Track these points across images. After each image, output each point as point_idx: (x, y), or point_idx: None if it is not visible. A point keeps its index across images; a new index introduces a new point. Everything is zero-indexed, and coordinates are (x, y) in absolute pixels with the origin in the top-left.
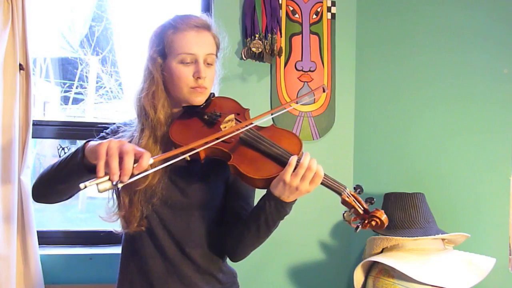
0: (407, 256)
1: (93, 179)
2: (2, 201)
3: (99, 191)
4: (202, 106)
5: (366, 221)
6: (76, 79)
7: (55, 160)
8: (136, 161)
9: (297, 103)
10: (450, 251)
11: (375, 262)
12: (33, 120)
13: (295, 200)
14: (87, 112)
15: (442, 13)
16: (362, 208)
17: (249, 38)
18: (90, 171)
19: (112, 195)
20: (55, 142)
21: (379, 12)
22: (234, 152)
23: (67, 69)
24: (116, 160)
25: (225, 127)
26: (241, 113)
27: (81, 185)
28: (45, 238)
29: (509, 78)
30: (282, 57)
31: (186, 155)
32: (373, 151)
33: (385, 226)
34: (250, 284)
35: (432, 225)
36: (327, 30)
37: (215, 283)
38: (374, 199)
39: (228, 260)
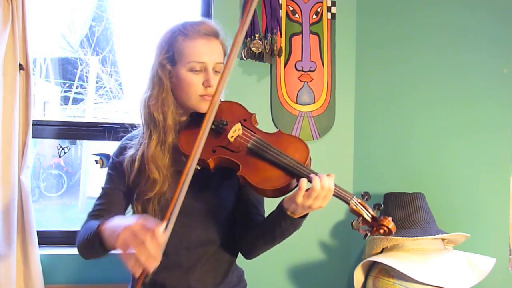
0: (407, 256)
1: (138, 281)
2: (2, 201)
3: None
4: None
5: (374, 229)
6: (76, 79)
7: (54, 160)
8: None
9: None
10: (450, 251)
11: (375, 262)
12: (33, 120)
13: (307, 214)
14: (87, 112)
15: (442, 13)
16: (370, 216)
17: (249, 38)
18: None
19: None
20: (55, 142)
21: (379, 12)
22: (242, 162)
23: (67, 69)
24: (143, 254)
25: (232, 136)
26: (248, 119)
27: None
28: (45, 238)
29: (509, 78)
30: (282, 57)
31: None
32: (373, 151)
33: (393, 233)
34: (250, 284)
35: (432, 225)
36: (327, 30)
37: (224, 282)
38: (382, 205)
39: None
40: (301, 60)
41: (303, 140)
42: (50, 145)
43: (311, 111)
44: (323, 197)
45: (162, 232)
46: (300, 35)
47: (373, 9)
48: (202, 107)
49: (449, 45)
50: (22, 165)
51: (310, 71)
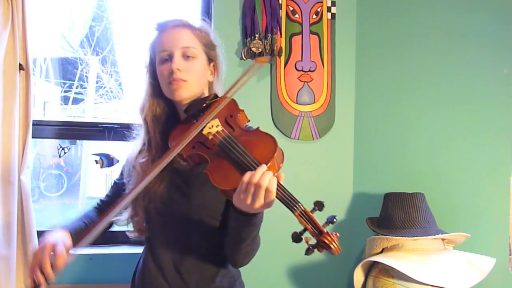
0: (407, 256)
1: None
2: (2, 201)
3: None
4: (207, 103)
5: (319, 244)
6: (76, 79)
7: (54, 160)
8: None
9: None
10: (450, 251)
11: (375, 262)
12: (33, 120)
13: (262, 213)
14: (87, 112)
15: (442, 13)
16: (316, 230)
17: (249, 38)
18: None
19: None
20: (55, 142)
21: (379, 12)
22: (212, 159)
23: (67, 69)
24: (37, 269)
25: (209, 133)
26: (234, 116)
27: None
28: None
29: (509, 78)
30: (282, 57)
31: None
32: (373, 151)
33: (336, 254)
34: (250, 284)
35: (432, 225)
36: (327, 30)
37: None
38: (336, 218)
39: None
40: (301, 60)
41: (275, 140)
42: (50, 145)
43: (311, 111)
44: (258, 195)
45: (64, 257)
46: (300, 35)
47: (373, 9)
48: (173, 94)
49: (449, 45)
50: (22, 165)
51: (310, 71)
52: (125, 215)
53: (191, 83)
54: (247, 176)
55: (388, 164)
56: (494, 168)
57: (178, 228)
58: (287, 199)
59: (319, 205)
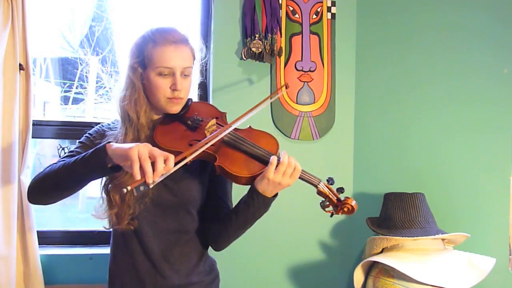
0: (407, 256)
1: (134, 183)
2: (2, 201)
3: (136, 194)
4: (181, 113)
5: (339, 208)
6: (76, 79)
7: (54, 160)
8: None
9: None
10: (450, 251)
11: (375, 262)
12: (33, 120)
13: (277, 195)
14: (87, 112)
15: (442, 13)
16: (336, 198)
17: (249, 38)
18: (114, 170)
19: (101, 193)
20: (55, 142)
21: (379, 12)
22: (219, 153)
23: (67, 69)
24: (149, 164)
25: (209, 131)
26: (220, 117)
27: (123, 190)
28: (45, 238)
29: (509, 78)
30: (282, 57)
31: (188, 160)
32: (373, 151)
33: (355, 210)
34: (250, 284)
35: (432, 225)
36: (327, 30)
37: (196, 271)
38: (344, 189)
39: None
40: (301, 60)
41: (272, 135)
42: (50, 145)
43: (311, 111)
44: (290, 174)
45: (172, 162)
46: (300, 35)
47: (373, 9)
48: (171, 109)
49: (449, 45)
50: (22, 165)
51: (310, 71)
52: (108, 209)
53: (185, 99)
54: (285, 157)
55: (388, 164)
56: (494, 168)
57: (166, 220)
58: (311, 178)
59: (331, 180)
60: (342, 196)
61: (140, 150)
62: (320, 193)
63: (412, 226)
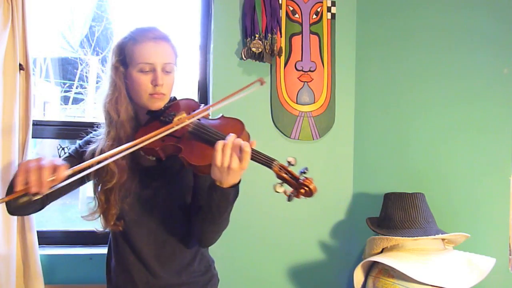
0: (407, 256)
1: (11, 194)
2: None
3: (18, 204)
4: (163, 109)
5: (297, 190)
6: (76, 79)
7: None
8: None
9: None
10: (450, 251)
11: (375, 262)
12: (33, 120)
13: (239, 182)
14: (87, 112)
15: (442, 13)
16: (293, 178)
17: (249, 38)
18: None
19: (94, 194)
20: (55, 142)
21: (379, 12)
22: (184, 145)
23: (67, 69)
24: (35, 174)
25: (178, 124)
26: (196, 109)
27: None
28: (45, 238)
29: (509, 78)
30: (282, 57)
31: (135, 149)
32: (373, 151)
33: (314, 193)
34: (250, 284)
35: (432, 225)
36: (327, 30)
37: (188, 271)
38: (308, 169)
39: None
40: (301, 60)
41: (240, 120)
42: (50, 145)
43: (311, 111)
44: (238, 156)
45: (64, 171)
46: (300, 35)
47: (373, 9)
48: (153, 105)
49: (449, 45)
50: None
51: (310, 71)
52: (97, 209)
53: (167, 95)
54: (220, 142)
55: (388, 164)
56: (494, 168)
57: (153, 220)
58: (263, 158)
59: (294, 160)
60: (303, 178)
61: (28, 163)
62: (277, 175)
63: (412, 226)
